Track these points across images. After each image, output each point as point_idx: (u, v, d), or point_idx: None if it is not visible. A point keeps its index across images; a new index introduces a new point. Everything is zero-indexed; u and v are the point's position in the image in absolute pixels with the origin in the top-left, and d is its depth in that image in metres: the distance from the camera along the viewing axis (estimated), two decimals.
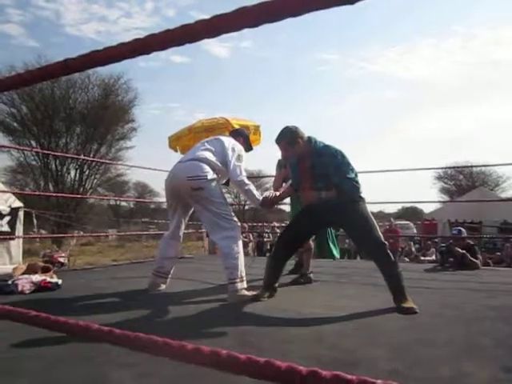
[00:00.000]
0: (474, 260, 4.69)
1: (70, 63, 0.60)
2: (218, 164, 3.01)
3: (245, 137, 3.43)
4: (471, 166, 27.17)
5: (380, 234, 2.75)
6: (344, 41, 67.81)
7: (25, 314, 0.68)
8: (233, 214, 3.02)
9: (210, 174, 2.92)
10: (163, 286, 3.27)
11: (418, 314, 2.49)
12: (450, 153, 53.04)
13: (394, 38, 68.67)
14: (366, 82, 64.86)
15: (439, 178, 31.49)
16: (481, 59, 56.43)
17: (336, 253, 3.82)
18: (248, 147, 3.42)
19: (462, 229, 5.32)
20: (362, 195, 2.81)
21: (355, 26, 66.59)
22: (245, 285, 2.94)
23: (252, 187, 3.06)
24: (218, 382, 1.43)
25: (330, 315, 2.45)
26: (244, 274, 2.94)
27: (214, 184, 2.92)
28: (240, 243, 2.97)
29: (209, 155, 3.00)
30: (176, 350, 0.54)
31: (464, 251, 4.70)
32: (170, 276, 3.32)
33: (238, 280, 2.87)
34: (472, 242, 5.02)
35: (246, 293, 2.90)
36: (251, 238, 11.36)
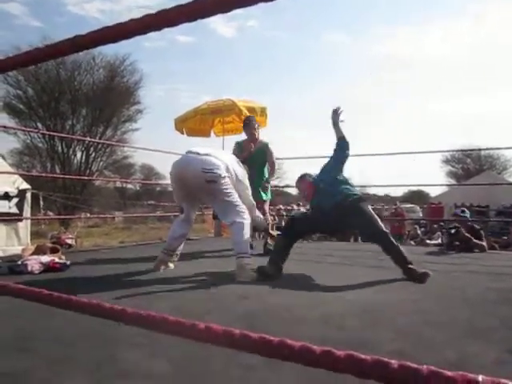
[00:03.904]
0: (480, 242, 4.67)
1: (79, 40, 0.59)
2: (233, 175, 3.18)
3: None
4: (479, 150, 26.91)
5: (381, 224, 3.15)
6: (353, 21, 66.60)
7: (38, 293, 0.68)
8: (240, 201, 3.15)
9: (224, 172, 3.03)
10: (171, 266, 3.31)
11: (423, 296, 2.50)
12: (460, 136, 52.47)
13: (405, 18, 67.20)
14: (377, 62, 64.00)
15: (446, 161, 31.27)
16: (493, 41, 55.35)
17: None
18: None
19: (465, 209, 5.28)
20: (359, 194, 3.27)
21: (364, 5, 65.31)
22: (251, 262, 3.05)
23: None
24: (229, 364, 1.45)
25: (336, 297, 2.46)
26: (249, 254, 3.06)
27: (226, 180, 3.04)
28: (249, 226, 3.11)
29: (229, 161, 3.20)
30: (188, 329, 0.54)
31: (469, 235, 4.68)
32: (177, 254, 3.36)
33: (245, 255, 2.99)
34: (477, 226, 4.99)
35: (253, 272, 2.97)
36: None
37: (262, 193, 4.39)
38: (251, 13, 49.57)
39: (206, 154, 3.08)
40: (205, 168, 2.97)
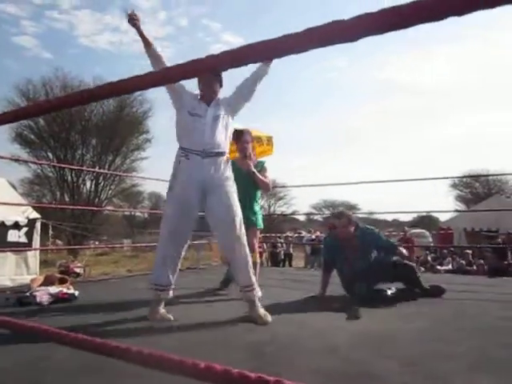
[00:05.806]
0: None
1: (86, 94, 0.63)
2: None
3: None
4: (487, 175, 26.81)
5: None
6: (355, 47, 67.72)
7: (50, 332, 0.70)
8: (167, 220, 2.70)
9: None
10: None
11: (432, 325, 2.46)
12: (469, 159, 52.45)
13: (409, 43, 68.16)
14: (380, 89, 64.66)
15: (455, 185, 31.16)
16: (500, 62, 55.89)
17: None
18: None
19: None
20: None
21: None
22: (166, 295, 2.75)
23: None
24: None
25: (341, 327, 2.43)
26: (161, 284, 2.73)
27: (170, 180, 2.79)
28: (162, 249, 2.72)
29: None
30: (189, 368, 0.56)
31: None
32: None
33: (153, 287, 2.73)
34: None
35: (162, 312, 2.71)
36: (265, 248, 11.36)
37: (257, 219, 3.71)
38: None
39: None
40: None
